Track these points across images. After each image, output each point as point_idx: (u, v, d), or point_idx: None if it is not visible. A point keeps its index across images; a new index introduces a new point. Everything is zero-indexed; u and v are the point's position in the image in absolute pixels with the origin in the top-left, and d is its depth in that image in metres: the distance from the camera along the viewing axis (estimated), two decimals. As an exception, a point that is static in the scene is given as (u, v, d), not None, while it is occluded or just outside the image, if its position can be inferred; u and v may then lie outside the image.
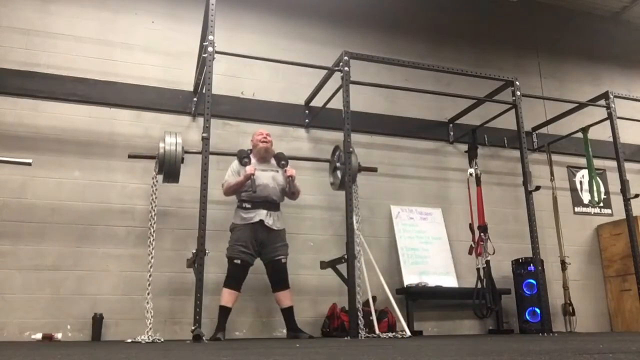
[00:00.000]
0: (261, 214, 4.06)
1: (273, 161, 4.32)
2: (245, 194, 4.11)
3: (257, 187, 4.02)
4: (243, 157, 4.21)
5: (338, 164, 4.74)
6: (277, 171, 4.26)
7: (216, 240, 4.23)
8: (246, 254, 4.01)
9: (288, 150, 4.66)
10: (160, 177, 4.27)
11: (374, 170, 4.96)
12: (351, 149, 4.15)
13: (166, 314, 4.39)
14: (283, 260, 4.14)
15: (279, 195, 4.22)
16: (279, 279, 4.13)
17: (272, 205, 4.15)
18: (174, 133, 4.27)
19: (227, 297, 3.95)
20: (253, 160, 4.22)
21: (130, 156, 4.38)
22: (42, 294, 4.19)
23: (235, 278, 3.98)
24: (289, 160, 4.39)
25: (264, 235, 4.08)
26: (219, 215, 4.43)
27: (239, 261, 3.98)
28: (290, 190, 4.25)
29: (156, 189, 4.23)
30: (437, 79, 5.77)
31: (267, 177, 4.16)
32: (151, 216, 4.17)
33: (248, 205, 4.09)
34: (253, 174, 4.03)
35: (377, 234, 5.19)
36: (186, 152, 4.26)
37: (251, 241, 4.04)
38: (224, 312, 3.94)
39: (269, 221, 4.07)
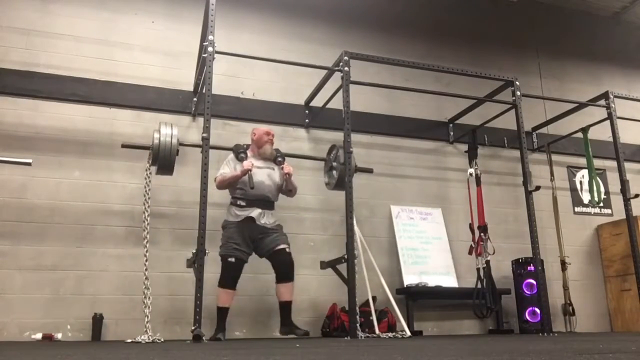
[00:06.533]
0: (254, 212, 4.00)
1: None
2: (240, 191, 4.04)
3: (253, 184, 3.94)
4: (239, 152, 4.12)
5: (334, 164, 4.65)
6: (273, 168, 4.19)
7: (216, 240, 4.23)
8: (240, 251, 3.94)
9: (288, 150, 4.66)
10: (154, 169, 4.19)
11: (369, 171, 4.90)
12: (351, 149, 4.14)
13: (166, 314, 4.39)
14: (287, 250, 4.05)
15: (274, 193, 4.17)
16: (284, 269, 4.02)
17: (267, 204, 4.10)
18: (170, 124, 4.19)
19: (223, 297, 3.91)
20: (250, 155, 4.16)
21: (123, 146, 4.25)
22: (42, 294, 4.19)
23: (229, 277, 3.91)
24: (285, 157, 4.30)
25: (257, 233, 4.01)
26: (219, 215, 4.41)
27: (233, 259, 3.92)
28: (287, 188, 4.22)
29: (150, 181, 4.13)
30: (437, 79, 5.78)
31: (263, 175, 4.09)
32: (145, 208, 4.03)
33: (243, 203, 4.03)
34: (250, 170, 3.95)
35: (377, 234, 5.18)
36: (181, 145, 4.19)
37: (244, 239, 3.98)
38: (222, 312, 3.92)
39: (261, 220, 4.02)
